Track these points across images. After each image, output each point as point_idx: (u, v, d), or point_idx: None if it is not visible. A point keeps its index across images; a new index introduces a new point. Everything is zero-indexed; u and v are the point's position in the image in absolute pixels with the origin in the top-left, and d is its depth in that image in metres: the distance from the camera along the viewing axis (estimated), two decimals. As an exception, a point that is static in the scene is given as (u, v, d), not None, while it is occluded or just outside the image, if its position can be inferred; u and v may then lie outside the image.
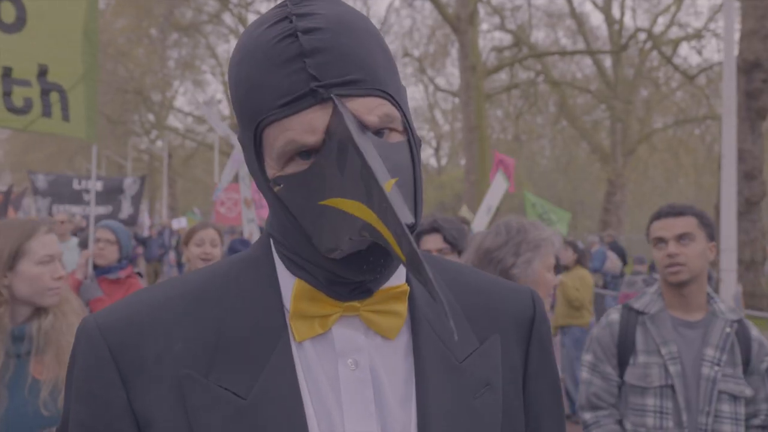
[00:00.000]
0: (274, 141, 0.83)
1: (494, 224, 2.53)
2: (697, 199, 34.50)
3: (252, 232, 7.18)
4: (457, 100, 26.46)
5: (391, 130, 0.86)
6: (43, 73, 3.97)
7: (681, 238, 2.59)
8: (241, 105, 0.86)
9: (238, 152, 7.82)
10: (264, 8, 32.67)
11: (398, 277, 0.95)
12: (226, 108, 36.08)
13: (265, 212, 13.57)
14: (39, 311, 2.30)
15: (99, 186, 9.49)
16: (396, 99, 0.86)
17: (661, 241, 2.64)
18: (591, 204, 35.67)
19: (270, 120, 0.83)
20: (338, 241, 0.82)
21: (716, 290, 8.38)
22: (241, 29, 30.89)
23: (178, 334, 0.89)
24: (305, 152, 0.82)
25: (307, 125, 0.81)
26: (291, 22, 0.82)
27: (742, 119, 13.73)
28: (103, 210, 9.34)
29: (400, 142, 0.86)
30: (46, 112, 4.00)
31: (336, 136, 0.79)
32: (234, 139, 7.98)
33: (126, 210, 9.43)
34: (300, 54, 0.80)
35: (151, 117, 36.40)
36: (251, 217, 7.32)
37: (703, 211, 2.67)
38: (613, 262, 13.50)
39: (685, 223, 2.60)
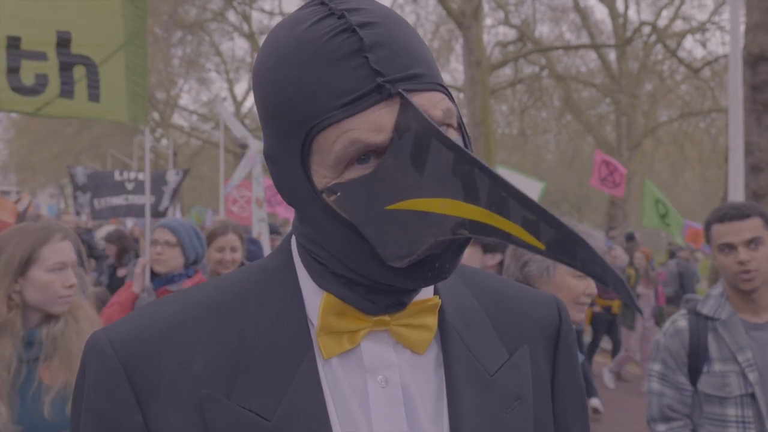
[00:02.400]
0: (331, 145, 0.76)
1: None
2: (703, 192, 34.39)
3: (261, 232, 7.18)
4: (462, 95, 26.37)
5: (449, 126, 0.81)
6: (64, 43, 3.29)
7: (750, 242, 2.47)
8: (285, 111, 0.79)
9: (253, 151, 7.77)
10: (268, 5, 32.56)
11: (427, 290, 0.92)
12: (231, 105, 36.02)
13: (279, 212, 13.47)
14: (50, 316, 2.29)
15: (143, 177, 9.24)
16: (451, 94, 0.83)
17: (728, 246, 2.50)
18: (596, 198, 35.51)
19: (327, 123, 0.76)
20: (415, 246, 0.76)
21: None
22: (246, 27, 30.85)
23: (196, 351, 0.84)
24: (364, 156, 0.77)
25: (373, 124, 0.75)
26: (341, 17, 0.77)
27: (748, 112, 13.60)
28: (147, 200, 9.03)
29: (457, 139, 0.82)
30: (66, 92, 3.33)
31: (410, 132, 0.74)
32: (251, 141, 7.95)
33: (165, 202, 9.07)
34: (360, 49, 0.75)
35: (156, 115, 36.35)
36: (262, 216, 7.30)
37: (763, 208, 2.55)
38: (621, 257, 13.44)
39: (753, 226, 2.47)
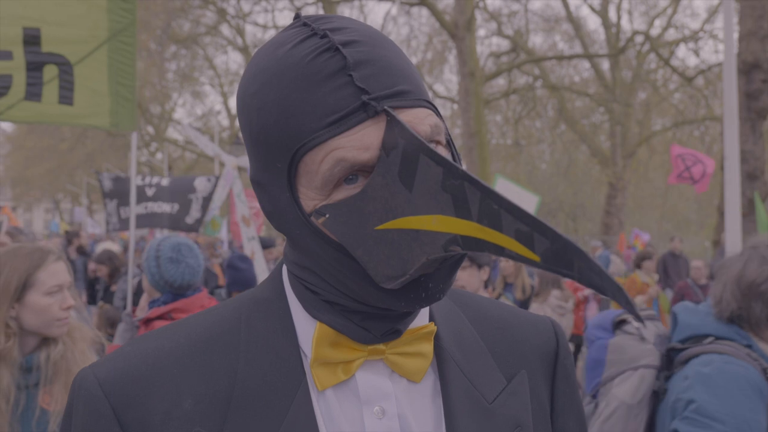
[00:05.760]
0: (318, 166, 0.75)
1: (749, 248, 2.07)
2: (698, 200, 34.45)
3: (254, 250, 7.01)
4: (456, 106, 26.47)
5: (437, 143, 0.80)
6: (32, 40, 3.01)
7: None
8: (270, 134, 0.77)
9: (229, 168, 7.62)
10: (261, 19, 32.69)
11: (422, 317, 0.89)
12: (225, 119, 36.10)
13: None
14: (47, 340, 2.24)
15: (165, 182, 8.49)
16: (438, 110, 0.81)
17: None
18: (592, 207, 35.61)
19: (314, 143, 0.75)
20: (406, 266, 0.74)
21: None
22: (239, 40, 30.93)
23: (186, 388, 0.81)
24: (352, 176, 0.76)
25: (360, 142, 0.74)
26: (324, 37, 0.76)
27: (743, 120, 13.74)
28: (167, 208, 8.20)
29: (446, 155, 0.79)
30: (33, 94, 3.05)
31: (397, 149, 0.73)
32: (225, 158, 7.82)
33: (194, 213, 8.27)
34: (344, 68, 0.75)
35: (150, 129, 36.37)
36: (252, 234, 7.13)
37: None
38: (617, 266, 13.46)
39: None
